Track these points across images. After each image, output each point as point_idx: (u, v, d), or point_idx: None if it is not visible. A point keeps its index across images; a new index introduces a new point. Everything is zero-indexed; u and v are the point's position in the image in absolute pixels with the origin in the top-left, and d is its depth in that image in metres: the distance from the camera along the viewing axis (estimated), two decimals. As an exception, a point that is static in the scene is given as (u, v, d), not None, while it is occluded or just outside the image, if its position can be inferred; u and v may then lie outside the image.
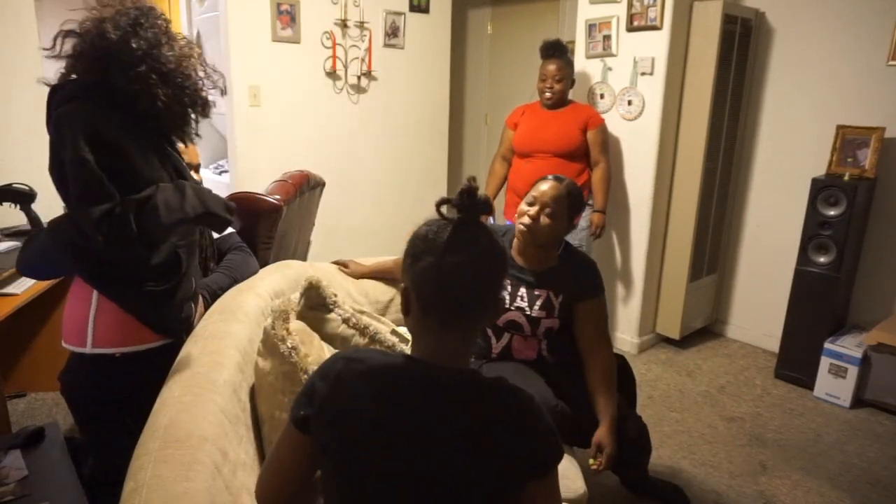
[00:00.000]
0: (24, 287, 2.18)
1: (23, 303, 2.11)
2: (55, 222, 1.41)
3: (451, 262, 0.90)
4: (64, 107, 1.32)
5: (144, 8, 1.42)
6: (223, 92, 1.52)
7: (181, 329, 1.49)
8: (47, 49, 1.39)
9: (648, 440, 1.99)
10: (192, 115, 1.47)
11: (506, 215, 3.06)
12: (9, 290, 2.14)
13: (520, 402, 0.95)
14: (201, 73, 1.46)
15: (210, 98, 1.49)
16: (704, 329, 3.55)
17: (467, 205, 0.92)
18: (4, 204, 2.50)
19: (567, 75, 2.87)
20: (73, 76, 1.40)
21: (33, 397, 2.65)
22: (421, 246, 0.93)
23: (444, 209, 0.94)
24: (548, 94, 2.88)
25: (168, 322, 1.46)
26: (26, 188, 2.52)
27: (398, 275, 1.74)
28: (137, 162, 1.36)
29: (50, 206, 3.09)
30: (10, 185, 2.49)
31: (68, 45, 1.38)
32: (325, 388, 0.93)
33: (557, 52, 2.87)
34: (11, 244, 2.38)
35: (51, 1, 5.88)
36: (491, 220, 2.99)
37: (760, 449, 2.45)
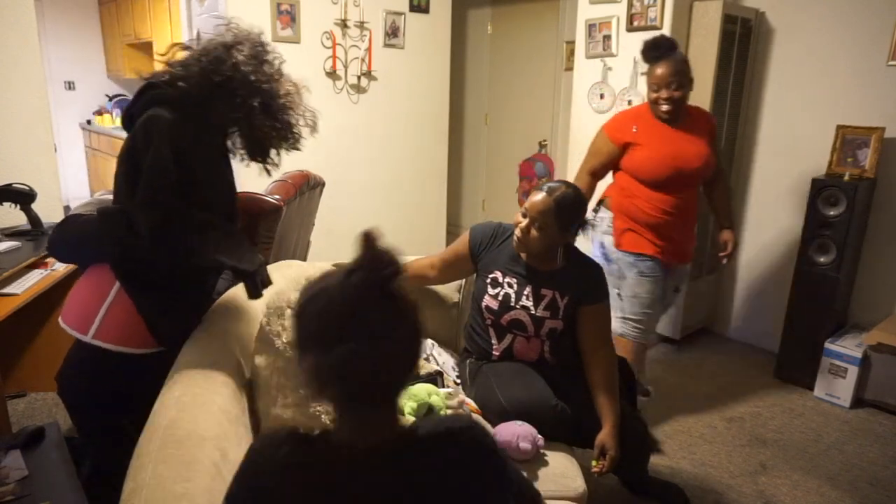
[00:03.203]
0: (25, 287, 2.18)
1: (23, 303, 2.11)
2: (106, 212, 1.44)
3: (385, 348, 0.78)
4: (159, 110, 1.36)
5: (263, 40, 1.51)
6: (314, 130, 1.58)
7: (181, 342, 1.50)
8: (161, 55, 1.46)
9: (648, 440, 1.99)
10: (279, 149, 1.55)
11: (622, 245, 2.34)
12: (9, 290, 2.14)
13: (469, 448, 0.85)
14: (300, 111, 1.54)
15: (301, 134, 1.57)
16: (704, 329, 3.55)
17: (382, 271, 0.78)
18: (4, 204, 2.51)
19: (686, 78, 2.28)
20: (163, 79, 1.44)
21: (33, 397, 2.64)
22: (335, 328, 0.78)
23: (355, 278, 0.79)
24: (665, 108, 2.24)
25: (174, 334, 1.47)
26: (26, 188, 2.54)
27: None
28: (204, 184, 1.43)
29: (50, 206, 3.11)
30: (10, 185, 2.50)
31: (180, 55, 1.44)
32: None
33: (667, 50, 2.29)
34: (11, 244, 2.38)
35: (51, 1, 5.89)
36: (597, 243, 2.43)
37: (760, 449, 2.45)
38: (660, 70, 2.25)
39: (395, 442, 0.83)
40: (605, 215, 2.40)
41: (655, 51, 2.28)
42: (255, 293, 1.47)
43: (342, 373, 0.78)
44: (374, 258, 0.78)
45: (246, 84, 1.41)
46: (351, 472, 0.80)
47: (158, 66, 1.50)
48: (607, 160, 2.37)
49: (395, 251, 0.79)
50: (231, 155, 1.57)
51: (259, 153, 1.53)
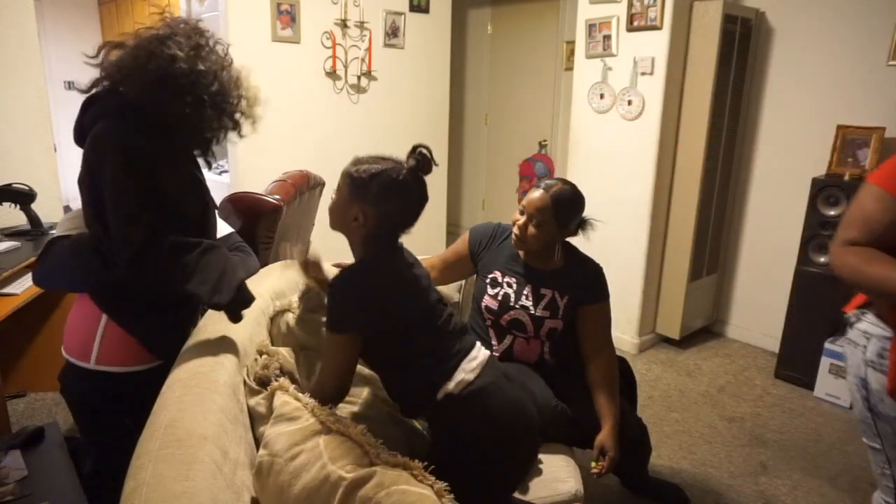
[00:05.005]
0: (24, 287, 2.18)
1: (23, 303, 2.12)
2: (79, 245, 1.39)
3: (409, 208, 1.36)
4: (102, 124, 1.29)
5: (201, 28, 1.39)
6: (254, 122, 1.49)
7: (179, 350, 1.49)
8: (91, 57, 1.35)
9: (648, 441, 1.99)
10: (223, 135, 1.46)
11: None
12: (9, 290, 2.14)
13: None
14: (242, 93, 1.45)
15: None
16: (704, 329, 3.55)
17: (426, 163, 1.36)
18: (4, 204, 2.51)
19: None
20: (103, 86, 1.36)
21: (33, 397, 2.65)
22: (390, 193, 1.31)
23: (411, 161, 1.35)
24: None
25: (172, 347, 1.46)
26: (26, 188, 2.54)
27: None
28: (169, 187, 1.35)
29: (50, 206, 3.10)
30: (10, 185, 2.50)
31: (113, 56, 1.34)
32: (367, 299, 1.32)
33: None
34: (11, 244, 2.38)
35: (51, 1, 5.89)
36: (855, 377, 1.45)
37: (760, 449, 2.45)
38: None
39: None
40: (874, 331, 1.40)
41: None
42: (234, 320, 1.37)
43: (384, 220, 1.33)
44: (422, 156, 1.34)
45: (185, 77, 1.30)
46: (409, 263, 1.43)
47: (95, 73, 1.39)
48: (890, 226, 1.32)
49: (432, 155, 1.36)
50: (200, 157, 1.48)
51: (204, 146, 1.45)
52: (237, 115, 1.44)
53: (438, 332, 1.40)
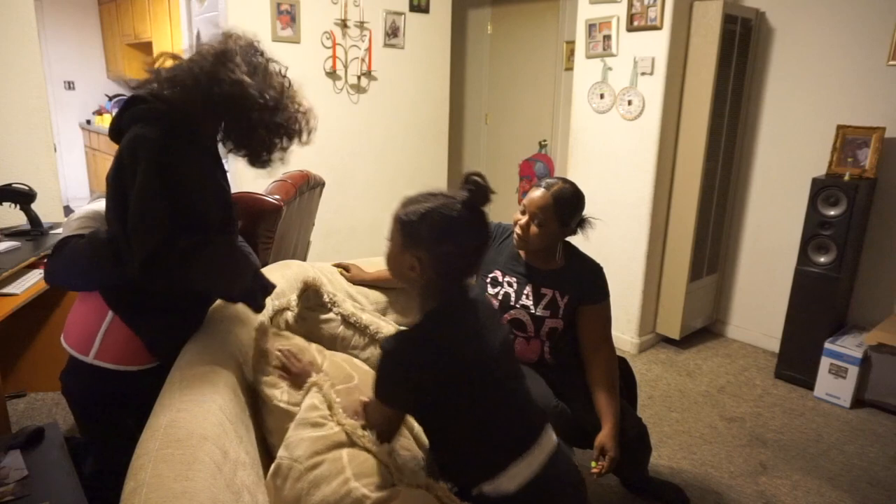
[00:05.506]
0: (24, 287, 2.18)
1: (23, 303, 2.11)
2: (95, 241, 1.40)
3: (471, 247, 1.19)
4: (140, 128, 1.29)
5: (258, 46, 1.41)
6: (309, 133, 1.51)
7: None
8: (149, 66, 1.37)
9: (648, 441, 1.99)
10: (278, 150, 1.48)
11: None
12: (9, 290, 2.14)
13: None
14: (302, 114, 1.47)
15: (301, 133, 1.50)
16: (704, 329, 3.55)
17: (482, 193, 1.16)
18: (4, 204, 2.51)
19: None
20: (150, 89, 1.37)
21: (33, 397, 2.65)
22: (443, 234, 1.15)
23: (463, 195, 1.17)
24: None
25: (175, 351, 1.46)
26: (26, 188, 2.54)
27: (398, 285, 1.74)
28: (197, 199, 1.36)
29: (50, 206, 3.10)
30: (10, 185, 2.50)
31: (170, 64, 1.36)
32: (418, 376, 1.15)
33: None
34: (11, 244, 2.38)
35: (51, 1, 5.89)
36: None
37: (760, 449, 2.45)
38: None
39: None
40: None
41: None
42: (256, 309, 1.43)
43: (442, 266, 1.16)
44: (476, 184, 1.16)
45: (245, 99, 1.33)
46: (482, 314, 1.27)
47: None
48: None
49: (487, 182, 1.18)
50: (225, 160, 1.52)
51: (259, 160, 1.48)
52: (293, 129, 1.46)
53: (497, 417, 1.23)
